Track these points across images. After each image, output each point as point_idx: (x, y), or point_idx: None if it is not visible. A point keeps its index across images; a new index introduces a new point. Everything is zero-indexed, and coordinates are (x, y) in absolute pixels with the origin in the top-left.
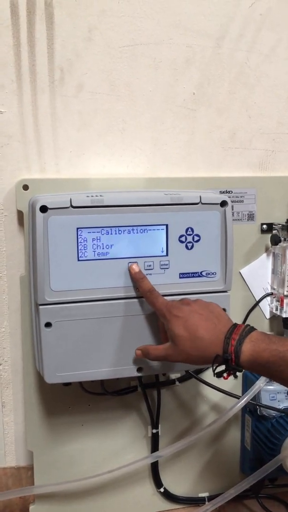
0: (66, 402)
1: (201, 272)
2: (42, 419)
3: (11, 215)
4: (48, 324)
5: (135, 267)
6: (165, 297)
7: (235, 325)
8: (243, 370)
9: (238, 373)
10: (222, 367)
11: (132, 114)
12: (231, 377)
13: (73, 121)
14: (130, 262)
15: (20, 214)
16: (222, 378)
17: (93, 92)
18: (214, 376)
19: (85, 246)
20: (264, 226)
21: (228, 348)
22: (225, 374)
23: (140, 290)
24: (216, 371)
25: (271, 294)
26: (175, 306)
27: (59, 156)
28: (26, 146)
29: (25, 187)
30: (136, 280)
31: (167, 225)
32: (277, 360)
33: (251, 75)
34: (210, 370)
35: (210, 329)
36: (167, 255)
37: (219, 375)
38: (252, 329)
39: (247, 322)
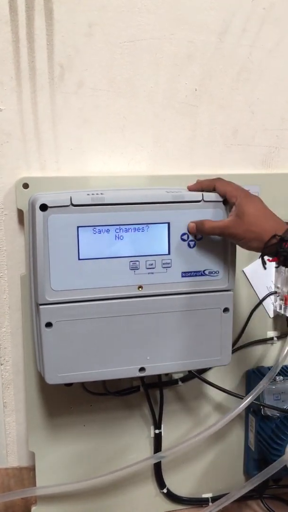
0: (68, 402)
1: (203, 271)
2: (44, 420)
3: (11, 213)
4: (48, 324)
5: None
6: (167, 297)
7: None
8: None
9: None
10: (273, 249)
11: (133, 110)
12: (232, 377)
13: (73, 118)
14: (132, 262)
15: (20, 212)
16: (266, 262)
17: (94, 88)
18: (260, 257)
19: (86, 244)
20: None
21: (286, 238)
22: (270, 258)
23: (206, 187)
24: (265, 255)
25: (275, 292)
26: (249, 193)
27: (59, 154)
28: (26, 144)
29: (25, 186)
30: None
31: (169, 223)
32: None
33: (254, 71)
34: (213, 370)
35: (276, 218)
36: (169, 253)
37: (268, 254)
38: None
39: (250, 322)
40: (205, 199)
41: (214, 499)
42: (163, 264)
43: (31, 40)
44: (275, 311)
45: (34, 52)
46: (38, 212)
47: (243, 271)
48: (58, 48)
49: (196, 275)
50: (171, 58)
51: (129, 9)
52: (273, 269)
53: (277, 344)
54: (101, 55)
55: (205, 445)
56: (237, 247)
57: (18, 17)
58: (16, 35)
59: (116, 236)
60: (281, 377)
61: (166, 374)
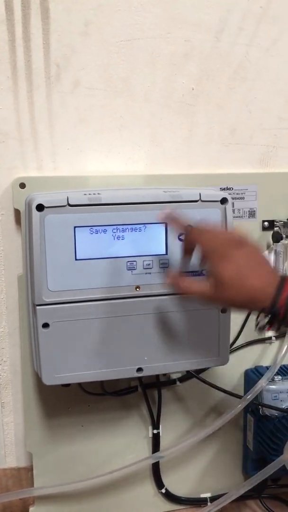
0: (66, 402)
1: (201, 271)
2: (42, 420)
3: (8, 213)
4: (45, 325)
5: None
6: (165, 297)
7: (284, 278)
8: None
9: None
10: (266, 320)
11: (130, 110)
12: (230, 377)
13: (70, 118)
14: (130, 262)
15: (17, 212)
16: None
17: (90, 88)
18: (255, 329)
19: (83, 245)
20: (266, 223)
21: (278, 301)
22: (267, 327)
23: (175, 229)
24: (260, 325)
25: None
26: (224, 248)
27: (56, 154)
28: (22, 143)
29: (22, 185)
30: (170, 220)
31: (166, 224)
32: None
33: (251, 70)
34: (211, 370)
35: (262, 278)
36: (166, 253)
37: (261, 329)
38: None
39: (248, 321)
40: (202, 199)
41: (213, 499)
42: (161, 264)
43: (27, 39)
44: None
45: (30, 51)
46: (35, 212)
47: None
48: (54, 47)
49: (193, 275)
50: (167, 57)
51: (125, 8)
52: None
53: (276, 343)
54: (98, 54)
55: (203, 445)
56: None
57: (14, 16)
58: (12, 34)
59: (113, 236)
60: (280, 377)
61: (164, 374)
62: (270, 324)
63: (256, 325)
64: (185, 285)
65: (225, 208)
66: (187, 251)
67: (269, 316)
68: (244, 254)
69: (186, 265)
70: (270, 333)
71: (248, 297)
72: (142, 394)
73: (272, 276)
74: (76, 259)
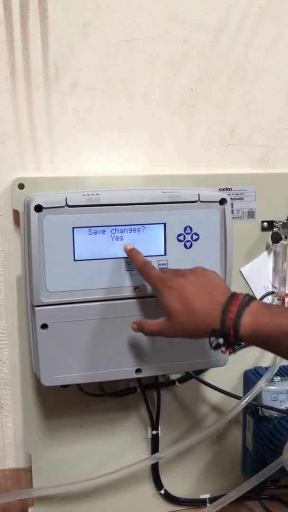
0: (65, 403)
1: None
2: (40, 421)
3: (7, 214)
4: (44, 326)
5: (128, 245)
6: None
7: (233, 295)
8: (242, 344)
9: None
10: (220, 341)
11: (129, 110)
12: (229, 378)
13: (69, 119)
14: (128, 262)
15: (16, 213)
16: (220, 352)
17: (89, 88)
18: (211, 349)
19: (82, 245)
20: (265, 223)
21: (226, 322)
22: (223, 348)
23: (135, 265)
24: (213, 345)
25: (272, 292)
26: (169, 278)
27: (55, 154)
28: (21, 144)
29: (21, 186)
30: (130, 255)
31: (165, 224)
32: (280, 335)
33: (250, 70)
34: (210, 370)
35: (207, 301)
36: (165, 254)
37: (216, 348)
38: (251, 299)
39: None
40: (201, 199)
41: (212, 500)
42: (160, 265)
43: (26, 40)
44: None
45: (29, 52)
46: (33, 213)
47: (240, 271)
48: (53, 48)
49: None
50: (167, 58)
51: (124, 8)
52: (271, 269)
53: None
54: (97, 55)
55: (202, 446)
56: (233, 247)
57: (12, 16)
58: (11, 35)
59: (112, 237)
60: (279, 378)
61: (163, 375)
62: (224, 344)
63: (210, 345)
64: (141, 326)
65: (224, 209)
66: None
67: (222, 337)
68: (188, 280)
69: None
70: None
71: (196, 323)
72: (141, 395)
73: (218, 297)
74: (74, 260)
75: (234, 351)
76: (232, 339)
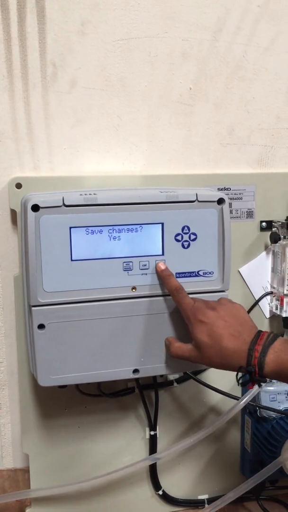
0: (62, 404)
1: (198, 272)
2: (38, 422)
3: (4, 214)
4: (41, 326)
5: (161, 265)
6: (161, 298)
7: (259, 333)
8: (267, 381)
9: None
10: (247, 377)
11: (127, 110)
12: (227, 378)
13: (67, 118)
14: (126, 262)
15: (13, 213)
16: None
17: (87, 87)
18: (238, 385)
19: (79, 245)
20: (264, 223)
21: (252, 360)
22: (249, 384)
23: (167, 287)
24: (240, 382)
25: (271, 293)
26: (200, 310)
27: (53, 154)
28: (18, 143)
29: (18, 186)
30: (163, 277)
31: (162, 224)
32: None
33: (249, 69)
34: (209, 371)
35: (235, 339)
36: (163, 254)
37: (243, 384)
38: (276, 337)
39: None
40: (199, 199)
41: (210, 500)
42: None
43: (23, 39)
44: (271, 311)
45: (26, 50)
46: (30, 212)
47: (238, 271)
48: (50, 47)
49: (190, 276)
50: (165, 57)
51: (122, 7)
52: (269, 269)
53: None
54: (94, 54)
55: (201, 447)
56: (232, 247)
57: (9, 15)
58: (8, 34)
59: (109, 236)
60: None
61: (161, 375)
62: (250, 381)
63: (238, 381)
64: (173, 350)
65: (222, 209)
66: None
67: (247, 374)
68: (218, 315)
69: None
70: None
71: (224, 358)
72: (139, 395)
73: (246, 334)
74: (71, 260)
75: (260, 386)
76: (257, 377)
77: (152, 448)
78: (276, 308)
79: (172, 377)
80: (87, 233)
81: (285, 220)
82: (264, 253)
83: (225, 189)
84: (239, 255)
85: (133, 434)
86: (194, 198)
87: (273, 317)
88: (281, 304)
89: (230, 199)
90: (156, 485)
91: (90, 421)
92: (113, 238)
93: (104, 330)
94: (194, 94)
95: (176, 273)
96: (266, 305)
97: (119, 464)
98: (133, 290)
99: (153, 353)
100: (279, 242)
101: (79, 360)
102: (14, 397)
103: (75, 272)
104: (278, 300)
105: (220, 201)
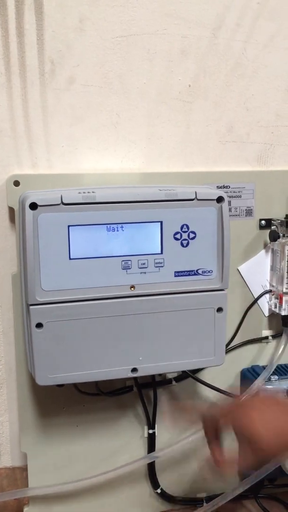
0: (60, 402)
1: (197, 270)
2: (36, 420)
3: (2, 211)
4: (39, 325)
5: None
6: (160, 296)
7: None
8: None
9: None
10: None
11: (126, 107)
12: (226, 376)
13: (65, 115)
14: (124, 261)
15: (11, 210)
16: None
17: (85, 84)
18: None
19: (77, 244)
20: (263, 221)
21: None
22: None
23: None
24: None
25: (270, 291)
26: (247, 406)
27: (51, 151)
28: (16, 141)
29: (16, 183)
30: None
31: (161, 222)
32: None
33: (248, 66)
34: (207, 369)
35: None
36: (161, 253)
37: None
38: None
39: (245, 320)
40: (198, 197)
41: (209, 499)
42: (156, 263)
43: (21, 35)
44: (270, 309)
45: (24, 47)
46: (28, 211)
47: (238, 269)
48: (48, 44)
49: (189, 275)
50: (164, 54)
51: (121, 3)
52: (268, 267)
53: (272, 343)
54: (93, 51)
55: (199, 445)
56: (231, 246)
57: (7, 11)
58: (6, 30)
59: (107, 235)
60: (276, 377)
61: (160, 374)
62: None
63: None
64: (233, 470)
65: (221, 207)
66: (214, 436)
67: None
68: (266, 407)
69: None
70: (267, 333)
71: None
72: (137, 394)
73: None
74: (70, 258)
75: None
76: None
77: (151, 447)
78: (275, 306)
79: (170, 375)
80: (86, 231)
81: (285, 218)
82: (263, 251)
83: (224, 187)
84: (238, 253)
85: (131, 432)
86: (193, 196)
87: (272, 315)
88: (280, 302)
89: (229, 197)
90: (155, 484)
91: (88, 420)
92: (112, 237)
93: (102, 329)
94: (193, 91)
95: (175, 272)
96: (265, 303)
97: (117, 462)
98: (132, 288)
99: (152, 352)
100: (278, 240)
101: (77, 359)
102: (12, 396)
103: (74, 270)
104: (277, 298)
105: (219, 199)
